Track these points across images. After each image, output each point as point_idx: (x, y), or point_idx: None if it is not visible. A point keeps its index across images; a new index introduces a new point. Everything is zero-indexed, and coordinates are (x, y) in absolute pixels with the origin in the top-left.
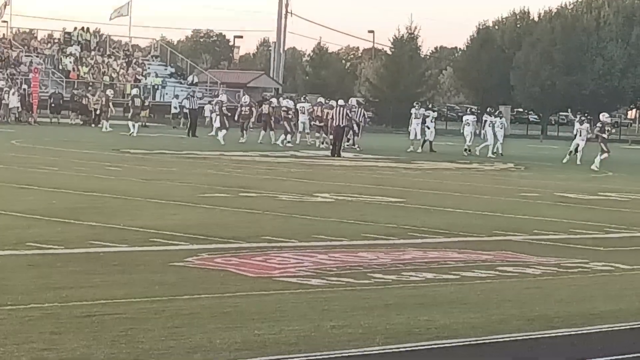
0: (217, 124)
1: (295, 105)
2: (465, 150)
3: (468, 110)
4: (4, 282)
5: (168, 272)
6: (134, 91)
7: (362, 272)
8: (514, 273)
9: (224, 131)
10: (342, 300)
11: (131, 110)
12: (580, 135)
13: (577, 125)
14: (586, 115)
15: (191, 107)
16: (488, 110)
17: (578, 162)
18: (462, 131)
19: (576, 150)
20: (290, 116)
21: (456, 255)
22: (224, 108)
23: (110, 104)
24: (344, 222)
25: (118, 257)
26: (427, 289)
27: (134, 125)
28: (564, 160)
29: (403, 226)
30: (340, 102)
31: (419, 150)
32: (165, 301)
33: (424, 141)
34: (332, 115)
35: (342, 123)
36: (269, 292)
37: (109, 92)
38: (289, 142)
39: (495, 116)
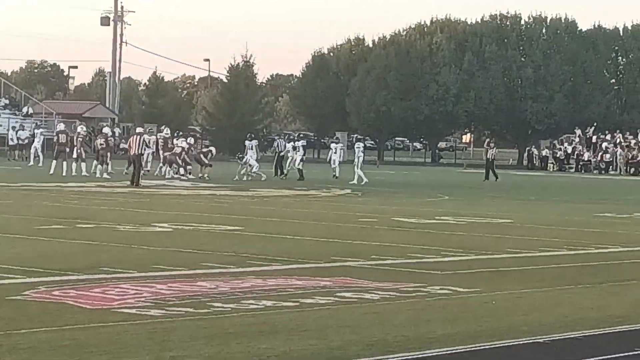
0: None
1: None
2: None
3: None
4: None
5: (4, 306)
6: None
7: (201, 302)
8: (352, 299)
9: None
10: (182, 330)
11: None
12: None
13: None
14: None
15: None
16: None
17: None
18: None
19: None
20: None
21: (295, 282)
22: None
23: None
24: (183, 251)
25: None
26: (266, 316)
27: None
28: None
29: (242, 254)
30: (138, 129)
31: (262, 178)
32: (2, 336)
33: (297, 170)
34: (129, 144)
35: (138, 151)
36: (107, 324)
37: None
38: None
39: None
